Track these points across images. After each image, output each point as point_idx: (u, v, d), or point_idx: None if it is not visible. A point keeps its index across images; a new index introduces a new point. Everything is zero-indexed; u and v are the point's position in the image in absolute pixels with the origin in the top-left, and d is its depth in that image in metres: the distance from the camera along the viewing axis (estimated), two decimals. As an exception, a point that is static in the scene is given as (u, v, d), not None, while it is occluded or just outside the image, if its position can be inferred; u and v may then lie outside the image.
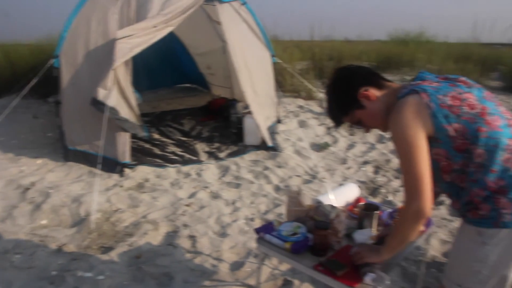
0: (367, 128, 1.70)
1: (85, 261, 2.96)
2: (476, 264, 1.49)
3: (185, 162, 4.91)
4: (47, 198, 3.87)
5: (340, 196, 2.32)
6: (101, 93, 4.12)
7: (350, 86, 1.63)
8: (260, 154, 5.18)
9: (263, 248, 1.92)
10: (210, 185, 4.31)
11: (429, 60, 10.07)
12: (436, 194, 1.82)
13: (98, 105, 4.13)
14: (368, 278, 1.59)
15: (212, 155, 5.16)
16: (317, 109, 7.17)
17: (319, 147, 5.52)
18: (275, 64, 5.91)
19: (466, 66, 9.14)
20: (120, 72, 4.30)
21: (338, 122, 1.74)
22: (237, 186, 4.32)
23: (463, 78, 1.58)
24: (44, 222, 3.57)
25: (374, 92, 1.60)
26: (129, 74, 4.48)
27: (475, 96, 1.48)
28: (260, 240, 1.96)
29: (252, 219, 3.61)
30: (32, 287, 2.67)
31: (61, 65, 4.59)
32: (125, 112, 4.39)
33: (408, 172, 1.44)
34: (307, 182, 4.45)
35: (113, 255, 3.04)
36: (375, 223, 2.05)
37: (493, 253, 1.45)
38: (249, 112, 5.21)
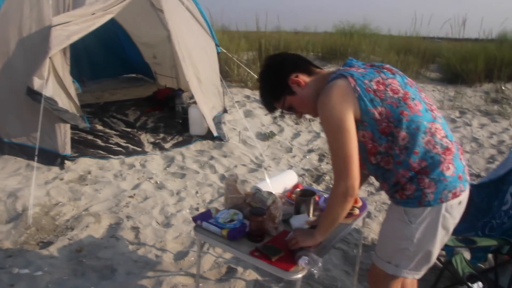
0: (298, 114, 1.74)
1: (21, 257, 2.85)
2: (403, 242, 1.60)
3: (129, 153, 4.82)
4: (-20, 193, 3.69)
5: (279, 183, 2.39)
6: (36, 83, 3.94)
7: (281, 72, 1.66)
8: (205, 144, 5.19)
9: (201, 236, 1.95)
10: (154, 176, 4.27)
11: (372, 52, 10.43)
12: (364, 177, 1.93)
13: (34, 95, 3.96)
14: (302, 262, 1.66)
15: (157, 145, 5.10)
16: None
17: (265, 137, 5.60)
18: (221, 54, 5.90)
19: (407, 58, 9.55)
20: (57, 61, 4.13)
21: (270, 108, 1.77)
22: (182, 176, 4.31)
23: (388, 65, 1.65)
24: (-24, 218, 3.40)
25: (304, 78, 1.64)
26: (67, 63, 4.32)
27: (398, 82, 1.56)
28: (198, 228, 1.98)
29: (197, 209, 3.63)
30: (-36, 287, 2.55)
31: (-8, 53, 4.34)
32: (63, 103, 4.23)
33: (336, 152, 1.50)
34: (252, 171, 4.52)
35: (53, 249, 2.95)
36: (311, 208, 2.13)
37: (418, 231, 1.56)
38: (195, 102, 5.19)
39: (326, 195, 2.34)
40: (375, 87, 1.50)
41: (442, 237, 1.60)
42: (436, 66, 10.78)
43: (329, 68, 8.10)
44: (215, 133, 5.17)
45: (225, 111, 6.16)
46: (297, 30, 13.84)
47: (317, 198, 2.25)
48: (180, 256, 2.96)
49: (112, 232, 3.21)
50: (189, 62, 5.03)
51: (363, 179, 1.97)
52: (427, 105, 1.58)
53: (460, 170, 1.57)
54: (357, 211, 2.14)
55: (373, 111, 1.49)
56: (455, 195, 1.54)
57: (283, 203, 2.17)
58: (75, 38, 4.20)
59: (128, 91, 7.80)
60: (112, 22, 7.73)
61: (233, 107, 6.60)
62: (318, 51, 10.59)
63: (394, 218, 1.64)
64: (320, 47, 10.48)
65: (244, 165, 4.67)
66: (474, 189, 2.81)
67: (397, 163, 1.54)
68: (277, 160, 4.87)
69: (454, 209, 1.57)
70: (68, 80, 4.33)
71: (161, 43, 6.99)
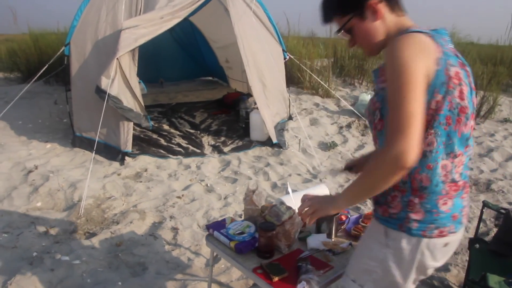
0: (352, 42, 1.45)
1: (67, 244, 3.02)
2: (374, 263, 1.39)
3: (188, 154, 4.93)
4: (46, 181, 3.98)
5: (306, 197, 2.26)
6: (103, 82, 4.19)
7: None
8: (264, 150, 5.14)
9: (211, 246, 1.90)
10: (207, 179, 4.31)
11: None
12: None
13: (101, 93, 4.21)
14: (300, 286, 1.54)
15: (216, 148, 5.16)
16: (333, 107, 7.04)
17: (327, 147, 5.42)
18: (292, 61, 5.84)
19: (496, 69, 8.71)
20: (125, 62, 4.35)
21: (326, 18, 1.45)
22: (234, 181, 4.30)
23: (468, 69, 1.37)
24: (39, 204, 3.67)
25: (384, 10, 1.35)
26: (135, 64, 4.54)
27: (467, 92, 1.31)
28: (209, 237, 1.93)
29: (240, 215, 3.59)
30: (12, 266, 2.74)
31: (71, 53, 4.70)
32: (128, 102, 4.44)
33: (399, 107, 1.18)
34: (306, 181, 4.38)
35: (95, 241, 3.09)
36: (333, 228, 1.98)
37: (393, 256, 1.35)
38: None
39: (355, 216, 2.17)
40: (452, 74, 1.25)
41: (416, 276, 1.37)
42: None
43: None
44: (274, 140, 5.11)
45: (290, 118, 6.08)
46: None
47: (342, 218, 2.10)
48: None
49: (152, 230, 3.28)
50: (253, 67, 5.03)
51: None
52: (469, 135, 1.35)
53: (457, 210, 1.33)
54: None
55: (435, 96, 1.23)
56: (441, 234, 1.31)
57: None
58: (142, 40, 4.39)
59: (201, 93, 8.03)
60: (191, 26, 8.08)
61: (300, 114, 6.49)
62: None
63: (372, 237, 1.43)
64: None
65: (299, 174, 4.54)
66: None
67: None
68: (335, 172, 4.67)
69: (437, 249, 1.33)
70: (134, 80, 4.54)
71: (233, 47, 7.07)
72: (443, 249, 1.35)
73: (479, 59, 9.55)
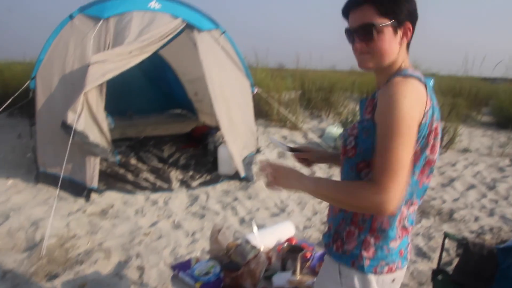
0: (362, 44, 1.32)
1: (26, 288, 2.91)
2: None
3: (156, 189, 4.89)
4: (6, 220, 3.85)
5: (272, 235, 2.29)
6: (70, 117, 4.15)
7: (415, 10, 1.33)
8: (232, 184, 5.16)
9: (176, 287, 1.88)
10: (174, 215, 4.27)
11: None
12: None
13: (67, 128, 4.16)
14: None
15: (184, 183, 5.14)
16: (301, 140, 7.17)
17: (294, 180, 5.48)
18: (261, 94, 5.95)
19: (455, 101, 9.15)
20: (92, 97, 4.34)
21: (358, 2, 1.31)
22: (202, 216, 4.28)
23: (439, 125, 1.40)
24: (-3, 245, 3.54)
25: (408, 37, 1.34)
26: (102, 99, 4.51)
27: (438, 147, 1.35)
28: (174, 278, 1.92)
29: (208, 252, 3.55)
30: (-33, 314, 2.62)
31: (37, 87, 4.65)
32: (95, 137, 4.40)
33: (392, 154, 1.19)
34: (274, 215, 4.40)
35: (57, 283, 2.99)
36: (298, 266, 2.00)
37: None
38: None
39: (320, 253, 2.20)
40: (433, 128, 1.28)
41: None
42: (489, 110, 10.25)
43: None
44: (242, 174, 5.14)
45: (258, 151, 6.14)
46: (337, 68, 13.82)
47: (307, 256, 2.12)
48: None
49: (118, 270, 3.21)
50: (221, 101, 5.10)
51: None
52: (428, 186, 1.41)
53: (404, 246, 1.39)
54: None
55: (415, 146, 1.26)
56: (390, 270, 1.36)
57: (270, 258, 2.06)
58: (110, 75, 4.40)
59: (170, 127, 8.00)
60: (160, 59, 8.13)
61: (267, 147, 6.57)
62: (364, 92, 10.43)
63: (327, 276, 1.44)
64: (366, 88, 10.32)
65: (267, 208, 4.57)
66: (499, 253, 2.55)
67: None
68: (302, 205, 4.73)
69: (386, 285, 1.38)
70: (101, 115, 4.51)
71: (202, 80, 7.16)
72: (391, 285, 1.39)
73: (440, 91, 10.00)
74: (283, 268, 2.03)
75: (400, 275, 1.41)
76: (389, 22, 1.27)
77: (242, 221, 4.22)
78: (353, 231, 1.37)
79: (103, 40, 4.64)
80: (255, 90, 5.95)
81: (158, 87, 9.01)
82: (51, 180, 4.69)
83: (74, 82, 4.50)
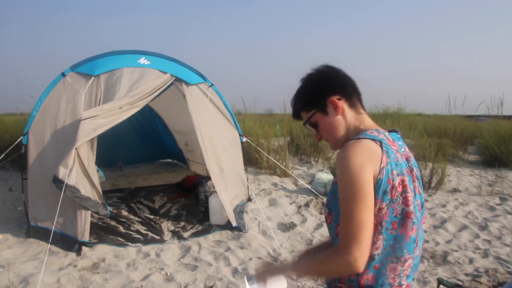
0: (318, 136, 1.58)
1: None
2: None
3: (148, 241, 4.87)
4: (-5, 278, 3.80)
5: None
6: (61, 172, 4.19)
7: (327, 86, 1.51)
8: (224, 234, 5.15)
9: None
10: (166, 267, 4.24)
11: (406, 135, 10.35)
12: None
13: (58, 183, 4.19)
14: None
15: (176, 234, 5.12)
16: (291, 186, 7.24)
17: (286, 227, 5.51)
18: (250, 142, 6.08)
19: (441, 142, 9.33)
20: (83, 151, 4.41)
21: (295, 114, 1.60)
22: (194, 268, 4.25)
23: (416, 173, 1.48)
24: (-15, 305, 3.48)
25: (344, 107, 1.49)
26: (93, 153, 4.59)
27: (413, 198, 1.40)
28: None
29: (201, 305, 3.53)
30: None
31: (29, 142, 4.72)
32: (86, 190, 4.43)
33: (350, 216, 1.28)
34: (267, 264, 4.38)
35: None
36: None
37: None
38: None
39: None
40: (396, 183, 1.34)
41: None
42: (475, 148, 10.46)
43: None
44: (234, 224, 5.15)
45: (249, 199, 6.18)
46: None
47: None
48: None
49: (109, 327, 3.16)
50: (211, 152, 5.20)
51: None
52: (418, 238, 1.44)
53: None
54: None
55: (377, 203, 1.32)
56: None
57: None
58: (101, 130, 4.50)
59: (160, 176, 8.07)
60: (150, 111, 8.32)
61: (258, 195, 6.62)
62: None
63: None
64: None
65: (259, 258, 4.55)
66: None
67: None
68: (295, 253, 4.73)
69: None
70: (92, 169, 4.56)
71: (193, 131, 7.30)
72: None
73: (426, 132, 10.21)
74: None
75: None
76: (313, 112, 1.51)
77: (235, 271, 4.20)
78: (344, 281, 1.42)
79: (94, 96, 4.78)
80: (244, 140, 6.08)
81: (149, 138, 9.15)
82: (41, 234, 4.67)
83: (65, 138, 4.58)
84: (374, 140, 1.37)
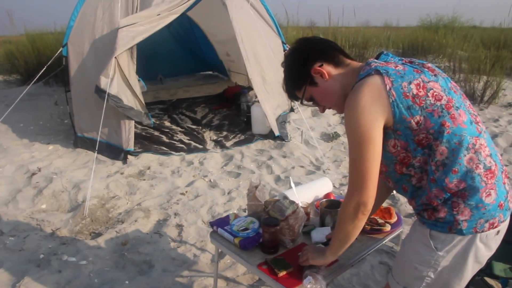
0: (321, 107, 1.59)
1: (73, 245, 3.03)
2: (425, 268, 1.39)
3: (191, 150, 4.93)
4: (50, 183, 3.99)
5: (310, 190, 2.25)
6: (102, 81, 4.17)
7: (304, 59, 1.51)
8: (266, 144, 5.13)
9: (215, 243, 1.89)
10: (210, 174, 4.31)
11: (460, 46, 9.62)
12: (389, 190, 1.74)
13: (100, 93, 4.19)
14: (306, 282, 1.54)
15: (218, 143, 5.15)
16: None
17: (329, 137, 5.40)
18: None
19: (500, 53, 8.62)
20: (123, 60, 4.33)
21: (292, 96, 1.62)
22: (237, 175, 4.29)
23: (430, 64, 1.44)
24: (43, 206, 3.68)
25: (329, 70, 1.48)
26: (134, 62, 4.51)
27: (441, 86, 1.34)
28: (213, 233, 1.93)
29: (245, 210, 3.58)
30: (20, 269, 2.75)
31: (69, 53, 4.69)
32: (128, 100, 4.43)
33: (355, 165, 1.35)
34: (310, 173, 4.37)
35: (101, 241, 3.09)
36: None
37: (444, 259, 1.36)
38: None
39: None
40: (414, 91, 1.29)
41: (471, 270, 1.38)
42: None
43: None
44: (276, 133, 5.09)
45: (291, 110, 6.06)
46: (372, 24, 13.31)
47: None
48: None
49: (157, 228, 3.29)
50: (253, 60, 5.01)
51: (388, 193, 1.78)
52: (472, 116, 1.36)
53: (502, 197, 1.34)
54: (388, 227, 1.94)
55: (410, 120, 1.29)
56: (492, 226, 1.33)
57: (308, 213, 2.04)
58: (140, 38, 4.37)
59: (201, 88, 8.00)
60: (189, 21, 8.03)
61: (301, 105, 6.47)
62: (398, 47, 10.01)
63: (417, 240, 1.43)
64: (401, 42, 9.88)
65: (302, 166, 4.53)
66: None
67: (431, 181, 1.33)
68: (338, 162, 4.66)
69: (491, 239, 1.35)
70: (133, 78, 4.52)
71: (234, 40, 7.04)
72: (496, 237, 1.38)
73: (482, 43, 9.45)
74: (322, 224, 2.01)
75: (504, 226, 1.39)
76: (304, 88, 1.52)
77: (277, 179, 4.21)
78: (437, 202, 1.35)
79: (131, 3, 4.60)
80: (287, 48, 5.79)
81: (188, 49, 8.96)
82: (88, 144, 4.81)
83: (104, 47, 4.51)
84: (368, 75, 1.35)
